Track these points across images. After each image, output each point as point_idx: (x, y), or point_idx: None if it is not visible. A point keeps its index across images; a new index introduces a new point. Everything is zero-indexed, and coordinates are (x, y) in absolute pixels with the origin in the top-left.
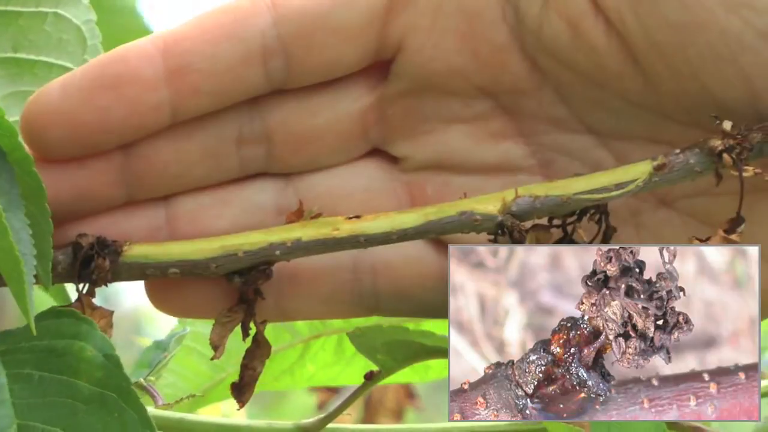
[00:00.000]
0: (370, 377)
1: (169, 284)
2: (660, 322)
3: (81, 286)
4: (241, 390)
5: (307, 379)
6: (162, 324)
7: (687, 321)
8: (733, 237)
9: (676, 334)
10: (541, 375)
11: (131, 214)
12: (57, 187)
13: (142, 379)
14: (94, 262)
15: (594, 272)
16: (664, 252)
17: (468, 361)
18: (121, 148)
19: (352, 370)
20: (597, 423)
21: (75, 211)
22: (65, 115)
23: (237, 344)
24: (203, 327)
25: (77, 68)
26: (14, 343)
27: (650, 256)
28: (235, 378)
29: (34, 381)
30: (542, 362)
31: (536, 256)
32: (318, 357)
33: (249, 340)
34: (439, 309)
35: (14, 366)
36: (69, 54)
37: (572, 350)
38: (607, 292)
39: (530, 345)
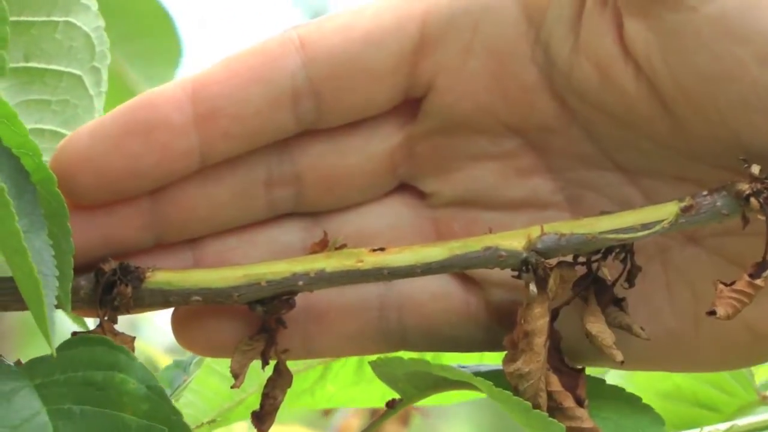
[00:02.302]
0: (392, 405)
1: (195, 324)
2: None
3: (102, 312)
4: (262, 419)
5: (327, 399)
6: (159, 324)
7: None
8: (759, 282)
9: None
10: None
11: (159, 256)
12: (85, 234)
13: None
14: (117, 289)
15: None
16: None
17: None
18: (150, 193)
19: (373, 390)
20: None
21: (103, 256)
22: (94, 163)
23: (258, 364)
24: None
25: (105, 114)
26: (48, 375)
27: None
28: (256, 399)
29: (76, 416)
30: None
31: None
32: (338, 377)
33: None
34: (465, 344)
35: (53, 401)
36: (78, 61)
37: None
38: None
39: None
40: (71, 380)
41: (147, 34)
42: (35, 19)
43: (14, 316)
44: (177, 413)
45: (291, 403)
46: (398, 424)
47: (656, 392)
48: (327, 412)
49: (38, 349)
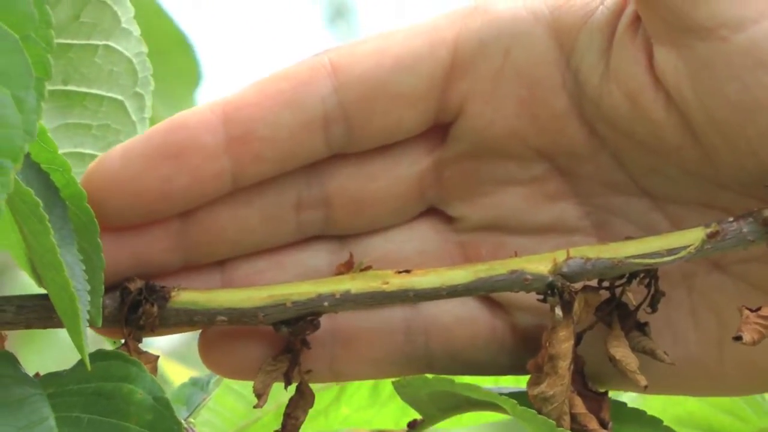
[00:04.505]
0: (413, 426)
1: (223, 347)
2: None
3: (127, 331)
4: None
5: (341, 420)
6: None
7: None
8: None
9: None
10: None
11: (187, 278)
12: (114, 254)
13: (183, 422)
14: (142, 308)
15: None
16: None
17: None
18: (179, 215)
19: (387, 412)
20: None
21: (131, 277)
22: (126, 184)
23: (277, 385)
24: None
25: (136, 136)
26: (62, 385)
27: None
28: (272, 418)
29: (83, 424)
30: None
31: None
32: (353, 399)
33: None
34: (490, 368)
35: (63, 409)
36: (120, 86)
37: None
38: None
39: None
40: (83, 390)
41: (164, 57)
42: (73, 42)
43: None
44: (178, 424)
45: (304, 425)
46: None
47: (669, 418)
48: None
49: (37, 350)
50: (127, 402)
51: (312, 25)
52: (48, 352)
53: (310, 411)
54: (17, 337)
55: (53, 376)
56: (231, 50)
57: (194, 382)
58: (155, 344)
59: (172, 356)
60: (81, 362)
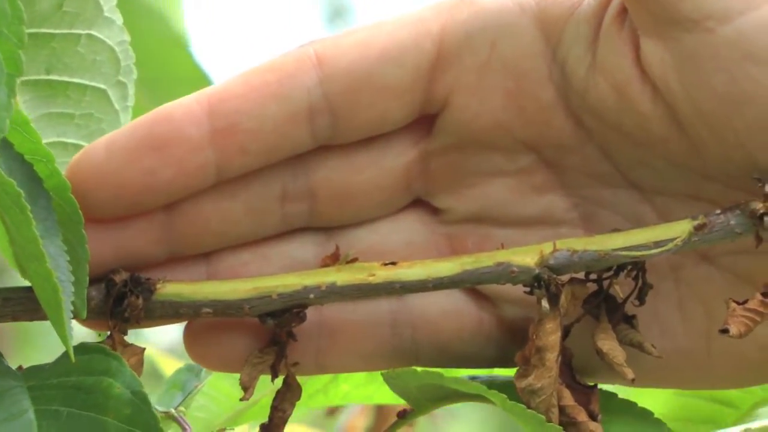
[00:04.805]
0: (402, 415)
1: (208, 339)
2: None
3: (113, 323)
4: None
5: (341, 397)
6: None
7: None
8: None
9: None
10: None
11: (173, 270)
12: (99, 246)
13: (173, 410)
14: (127, 300)
15: None
16: None
17: None
18: (164, 207)
19: (387, 389)
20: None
21: (116, 268)
22: (110, 176)
23: None
24: None
25: (121, 127)
26: (43, 378)
27: None
28: (269, 401)
29: (62, 417)
30: None
31: None
32: (352, 377)
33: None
34: (477, 360)
35: (43, 402)
36: (103, 75)
37: None
38: None
39: None
40: (64, 384)
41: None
42: (56, 31)
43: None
44: (155, 418)
45: (304, 403)
46: (404, 425)
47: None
48: (332, 412)
49: (38, 349)
50: (105, 396)
51: (311, 25)
52: (48, 349)
53: (310, 390)
54: (17, 335)
55: (35, 369)
56: (231, 50)
57: (189, 368)
58: (159, 343)
59: (171, 353)
60: (64, 355)
